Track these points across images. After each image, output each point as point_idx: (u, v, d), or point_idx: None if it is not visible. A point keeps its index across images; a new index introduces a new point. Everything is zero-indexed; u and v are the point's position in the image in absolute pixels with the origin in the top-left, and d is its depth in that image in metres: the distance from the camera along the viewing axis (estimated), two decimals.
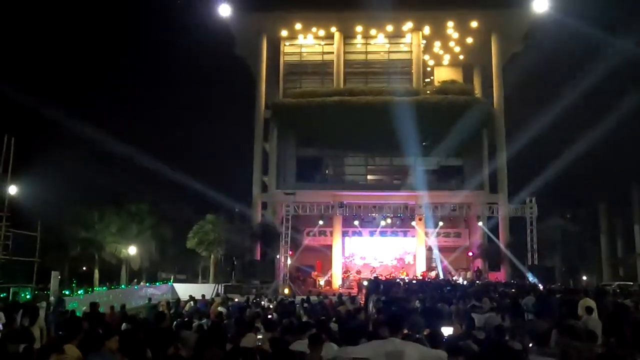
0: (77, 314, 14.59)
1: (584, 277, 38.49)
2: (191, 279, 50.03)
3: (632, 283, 30.93)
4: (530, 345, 7.67)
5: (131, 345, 6.36)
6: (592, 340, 7.84)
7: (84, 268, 42.95)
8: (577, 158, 37.31)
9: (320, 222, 33.99)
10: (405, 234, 36.68)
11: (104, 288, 31.57)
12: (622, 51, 32.34)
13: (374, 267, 35.34)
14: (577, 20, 33.11)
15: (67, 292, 25.95)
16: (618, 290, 21.91)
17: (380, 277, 30.57)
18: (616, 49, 32.28)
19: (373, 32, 38.04)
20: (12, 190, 26.45)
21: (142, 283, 38.72)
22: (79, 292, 28.06)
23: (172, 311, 16.99)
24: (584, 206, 42.83)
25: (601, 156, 36.59)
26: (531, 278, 28.62)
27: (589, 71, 35.13)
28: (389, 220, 34.94)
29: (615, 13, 34.16)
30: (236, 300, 21.49)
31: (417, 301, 14.31)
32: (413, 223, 34.50)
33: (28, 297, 22.77)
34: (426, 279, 29.92)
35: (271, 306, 17.70)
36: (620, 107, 35.35)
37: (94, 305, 13.70)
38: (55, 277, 25.21)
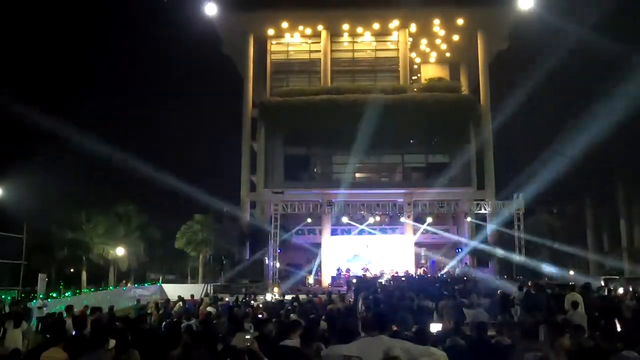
0: (65, 316, 14.48)
1: (571, 272, 38.74)
2: (180, 279, 49.87)
3: (617, 277, 31.23)
4: (519, 340, 7.73)
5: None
6: (580, 334, 7.91)
7: (72, 270, 42.65)
8: (563, 154, 37.68)
9: (309, 220, 33.95)
10: (393, 231, 36.75)
11: (92, 290, 31.37)
12: (606, 48, 32.62)
13: (363, 265, 35.36)
14: (562, 17, 33.36)
15: (54, 294, 25.77)
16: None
17: (369, 275, 30.71)
18: (601, 46, 32.54)
19: (360, 30, 38.05)
20: None
21: (129, 284, 38.49)
22: (67, 294, 27.88)
23: (160, 312, 16.94)
24: (569, 202, 43.19)
25: (586, 151, 36.91)
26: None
27: (573, 68, 35.48)
28: (377, 218, 35.00)
29: (599, 10, 34.43)
30: (226, 300, 21.47)
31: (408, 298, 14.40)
32: (402, 220, 34.56)
33: (9, 297, 22.58)
34: (415, 276, 30.06)
35: (261, 305, 17.70)
36: (605, 104, 35.69)
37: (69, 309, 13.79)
38: (42, 279, 24.95)
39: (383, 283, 25.64)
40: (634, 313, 12.58)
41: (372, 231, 35.68)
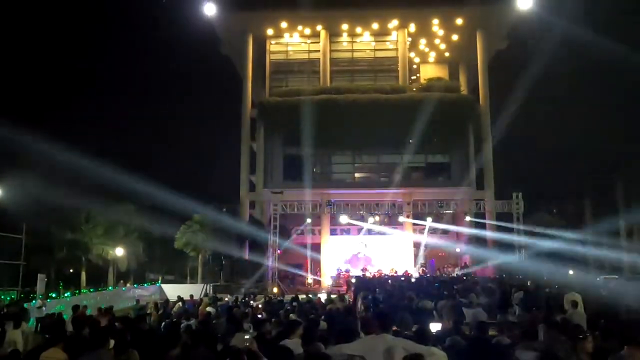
0: (64, 317, 14.46)
1: (571, 272, 38.76)
2: (179, 279, 49.78)
3: (617, 277, 31.22)
4: (519, 339, 7.73)
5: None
6: (579, 334, 7.90)
7: (71, 270, 42.58)
8: (563, 153, 37.70)
9: (308, 220, 33.96)
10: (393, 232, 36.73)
11: (91, 290, 31.34)
12: (604, 47, 32.64)
13: (363, 265, 35.36)
14: (561, 17, 33.37)
15: (53, 295, 25.76)
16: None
17: (368, 275, 30.69)
18: (598, 45, 32.56)
19: (359, 30, 38.07)
20: None
21: (128, 284, 38.44)
22: (66, 294, 27.86)
23: (160, 312, 16.91)
24: (569, 201, 43.19)
25: (586, 151, 36.96)
26: None
27: (572, 67, 35.51)
28: (377, 218, 34.97)
29: (598, 10, 34.48)
30: (226, 299, 21.45)
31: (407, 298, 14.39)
32: (401, 220, 34.55)
33: (13, 297, 22.57)
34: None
35: (260, 305, 17.69)
36: (604, 102, 35.75)
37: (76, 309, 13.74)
38: (41, 279, 24.97)
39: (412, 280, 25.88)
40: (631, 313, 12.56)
41: (373, 226, 35.57)
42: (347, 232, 37.04)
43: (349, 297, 21.50)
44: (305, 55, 39.06)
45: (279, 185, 34.67)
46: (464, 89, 38.92)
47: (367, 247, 36.40)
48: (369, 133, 33.10)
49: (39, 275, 25.31)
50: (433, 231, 36.37)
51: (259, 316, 12.80)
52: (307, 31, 38.06)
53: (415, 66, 41.42)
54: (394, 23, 37.46)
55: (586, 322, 10.40)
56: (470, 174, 35.45)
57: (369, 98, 34.26)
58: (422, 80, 39.66)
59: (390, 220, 35.36)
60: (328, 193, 34.11)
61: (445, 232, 37.45)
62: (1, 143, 24.98)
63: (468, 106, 35.31)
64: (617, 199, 41.82)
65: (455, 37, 38.26)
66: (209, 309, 15.57)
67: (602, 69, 34.52)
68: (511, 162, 35.33)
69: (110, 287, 36.32)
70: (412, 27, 37.63)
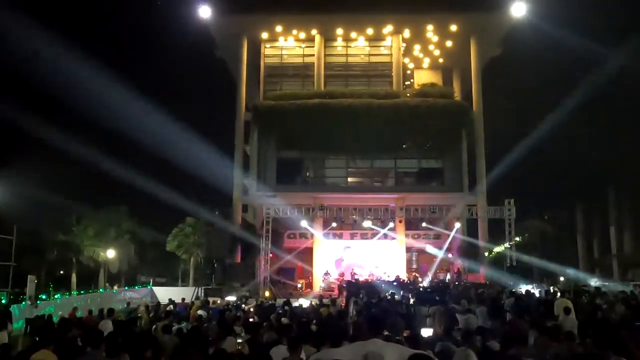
0: (54, 318, 14.38)
1: (562, 278, 38.91)
2: (171, 282, 49.60)
3: (607, 283, 31.37)
4: (509, 345, 7.74)
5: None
6: (571, 340, 7.93)
7: (61, 272, 42.36)
8: (555, 160, 37.86)
9: (304, 224, 33.93)
10: (385, 236, 36.71)
11: (82, 292, 31.17)
12: (599, 55, 32.88)
13: (354, 270, 35.31)
14: (555, 24, 33.57)
15: (43, 296, 25.58)
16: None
17: (360, 279, 30.67)
18: (593, 53, 32.80)
19: (353, 35, 38.14)
20: None
21: (116, 286, 38.29)
22: (56, 296, 27.69)
23: (151, 315, 16.85)
24: (561, 208, 43.41)
25: (578, 158, 37.15)
26: None
27: (565, 75, 35.72)
28: (369, 223, 34.98)
29: (593, 18, 34.70)
30: (218, 302, 21.40)
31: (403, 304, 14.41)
32: (392, 225, 34.54)
33: (3, 301, 22.43)
34: (408, 281, 30.07)
35: (252, 309, 17.65)
36: (599, 111, 35.97)
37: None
38: (31, 281, 24.76)
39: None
40: (622, 319, 12.62)
41: (367, 226, 35.51)
42: (340, 236, 36.98)
43: (340, 301, 21.51)
44: (300, 59, 39.08)
45: (272, 188, 34.64)
46: (457, 95, 39.09)
47: (359, 251, 36.27)
48: (363, 138, 33.16)
49: (29, 276, 25.11)
50: (425, 236, 36.44)
51: (251, 320, 12.78)
52: (302, 35, 38.09)
53: (409, 72, 41.52)
54: (388, 28, 37.54)
55: (577, 328, 10.43)
56: (463, 180, 35.55)
57: (362, 103, 34.34)
58: (416, 86, 39.72)
59: (383, 225, 35.40)
60: (321, 197, 34.12)
61: (437, 237, 37.47)
62: None
63: (461, 112, 35.44)
64: (609, 206, 42.12)
65: (449, 44, 38.38)
66: (200, 312, 15.54)
67: (596, 76, 34.71)
68: (504, 168, 35.42)
69: (101, 289, 36.16)
70: (407, 33, 37.72)
